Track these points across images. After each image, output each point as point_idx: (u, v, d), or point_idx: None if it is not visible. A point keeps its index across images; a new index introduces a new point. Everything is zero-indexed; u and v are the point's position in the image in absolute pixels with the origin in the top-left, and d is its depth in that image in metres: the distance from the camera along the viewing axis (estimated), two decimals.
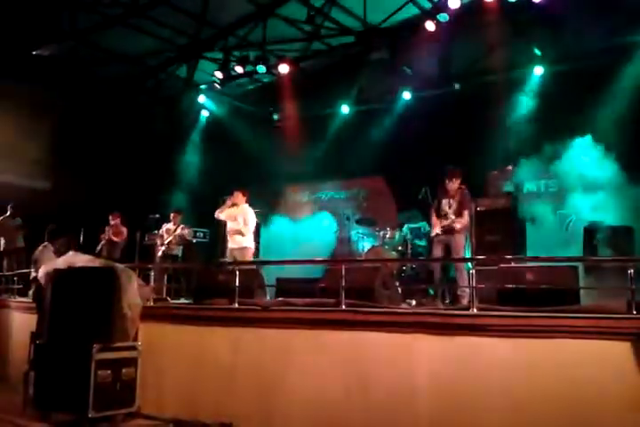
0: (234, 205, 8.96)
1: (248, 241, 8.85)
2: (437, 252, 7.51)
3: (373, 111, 12.78)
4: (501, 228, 8.71)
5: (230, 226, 8.91)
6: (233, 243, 8.80)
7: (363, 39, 11.42)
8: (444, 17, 10.02)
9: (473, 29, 10.49)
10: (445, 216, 7.41)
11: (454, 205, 7.36)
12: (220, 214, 9.05)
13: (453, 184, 7.54)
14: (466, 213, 7.31)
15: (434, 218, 7.67)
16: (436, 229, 7.53)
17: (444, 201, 7.51)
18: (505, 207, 8.95)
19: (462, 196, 7.45)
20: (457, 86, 11.72)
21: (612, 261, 5.36)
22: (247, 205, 9.01)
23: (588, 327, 4.53)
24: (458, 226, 7.28)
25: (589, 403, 4.41)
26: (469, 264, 6.22)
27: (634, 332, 4.36)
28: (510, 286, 5.70)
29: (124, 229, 10.96)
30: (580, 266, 5.67)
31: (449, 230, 7.34)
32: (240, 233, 8.77)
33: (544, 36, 10.44)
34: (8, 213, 11.44)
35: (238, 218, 8.83)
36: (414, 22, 10.81)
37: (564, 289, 5.35)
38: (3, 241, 11.34)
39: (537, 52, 10.76)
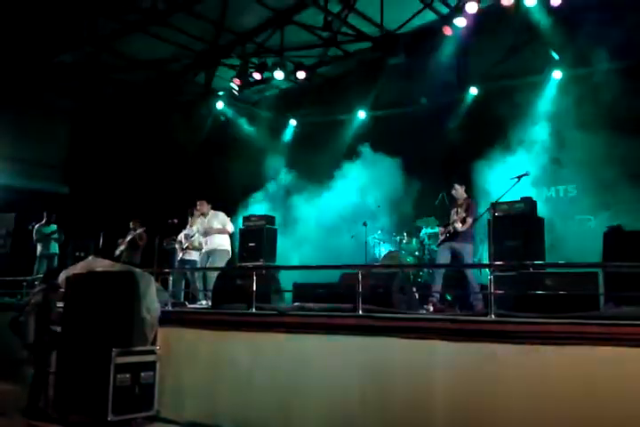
0: (202, 215, 9.19)
1: (226, 244, 9.02)
2: (443, 258, 7.60)
3: (390, 117, 12.76)
4: (520, 232, 8.64)
5: (204, 234, 9.07)
6: (212, 245, 8.93)
7: (379, 45, 11.40)
8: (461, 22, 9.99)
9: (490, 34, 10.46)
10: (452, 224, 7.56)
11: (461, 214, 7.52)
12: (193, 228, 9.37)
13: (458, 192, 7.83)
14: (469, 220, 7.49)
15: (442, 227, 7.98)
16: (442, 236, 7.80)
17: (453, 211, 7.70)
18: (524, 212, 8.88)
19: (468, 205, 7.72)
20: (474, 91, 11.69)
21: (633, 268, 5.29)
22: (213, 211, 9.25)
23: (607, 334, 4.49)
24: (460, 228, 7.47)
25: (608, 410, 4.37)
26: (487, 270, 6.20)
27: None
28: (529, 292, 5.67)
29: (145, 235, 11.10)
30: (600, 272, 5.61)
31: (453, 236, 7.47)
32: (217, 237, 8.92)
33: (561, 39, 10.37)
34: (44, 220, 11.64)
35: (213, 224, 9.00)
36: (431, 27, 10.80)
37: (583, 295, 5.31)
38: (39, 247, 11.53)
39: (555, 55, 10.69)
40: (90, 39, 11.61)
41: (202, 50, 12.65)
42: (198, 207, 9.26)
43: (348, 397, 5.55)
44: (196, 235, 9.90)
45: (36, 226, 11.58)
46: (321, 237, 11.84)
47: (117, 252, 10.96)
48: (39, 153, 13.61)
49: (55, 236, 11.64)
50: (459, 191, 7.83)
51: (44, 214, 11.71)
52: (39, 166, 13.75)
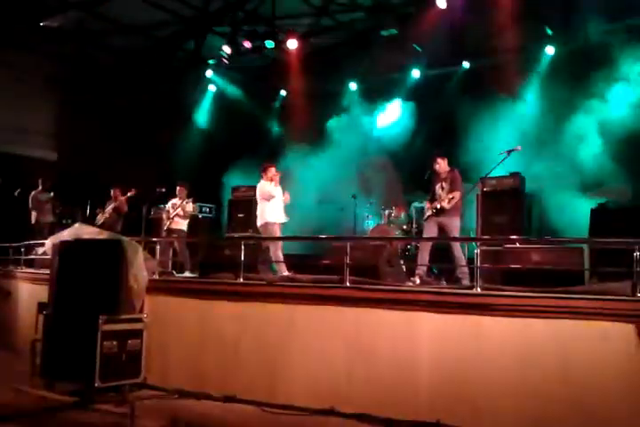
0: (272, 180, 8.49)
1: None
2: (430, 232, 7.61)
3: (381, 89, 12.67)
4: (508, 208, 8.71)
5: (275, 200, 8.44)
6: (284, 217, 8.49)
7: (373, 15, 11.26)
8: None
9: (484, 7, 10.35)
10: (438, 198, 7.52)
11: (446, 188, 7.50)
12: (276, 195, 8.42)
13: (441, 166, 7.72)
14: (457, 194, 7.43)
15: (427, 202, 7.87)
16: (428, 212, 7.69)
17: (437, 185, 7.65)
18: (512, 187, 8.93)
19: (453, 178, 7.61)
20: (467, 64, 11.61)
21: (619, 244, 5.34)
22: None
23: (591, 309, 4.56)
24: (447, 206, 7.44)
25: (590, 383, 4.46)
26: (474, 244, 6.24)
27: (638, 314, 4.40)
28: (514, 266, 5.74)
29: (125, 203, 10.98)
30: (586, 248, 5.68)
31: (441, 211, 7.46)
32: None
33: (556, 14, 10.30)
34: (40, 187, 11.51)
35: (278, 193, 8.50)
36: None
37: (568, 270, 5.37)
38: (34, 215, 11.41)
39: (548, 31, 10.63)
40: (77, 3, 11.34)
41: (191, 16, 12.41)
42: (275, 174, 8.44)
43: (334, 367, 5.62)
44: (184, 203, 9.86)
45: (33, 193, 11.47)
46: (310, 208, 11.81)
47: (99, 220, 10.87)
48: (25, 119, 13.38)
49: (50, 204, 11.51)
50: (441, 165, 7.75)
51: (40, 182, 11.58)
52: (26, 132, 13.55)
